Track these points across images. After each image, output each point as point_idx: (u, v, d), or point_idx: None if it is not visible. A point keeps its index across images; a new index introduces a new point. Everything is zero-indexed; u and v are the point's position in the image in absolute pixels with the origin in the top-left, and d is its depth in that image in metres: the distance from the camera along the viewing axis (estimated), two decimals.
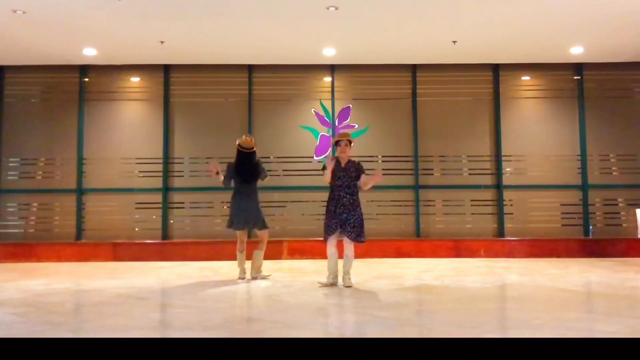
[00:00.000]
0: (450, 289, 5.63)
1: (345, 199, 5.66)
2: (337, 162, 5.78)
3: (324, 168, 5.83)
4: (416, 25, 7.50)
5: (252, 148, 6.27)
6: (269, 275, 6.41)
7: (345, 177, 5.71)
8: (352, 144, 5.84)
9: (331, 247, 5.74)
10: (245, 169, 6.23)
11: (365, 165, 5.93)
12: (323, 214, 6.15)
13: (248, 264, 6.36)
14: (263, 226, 6.32)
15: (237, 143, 6.33)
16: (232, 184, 6.33)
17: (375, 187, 8.91)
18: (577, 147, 9.13)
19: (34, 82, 9.27)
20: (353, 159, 5.86)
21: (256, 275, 6.27)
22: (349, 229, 5.62)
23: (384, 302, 4.96)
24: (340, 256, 5.79)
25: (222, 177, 6.27)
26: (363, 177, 5.77)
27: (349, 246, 5.70)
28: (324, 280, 5.83)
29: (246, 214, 6.20)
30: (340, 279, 5.79)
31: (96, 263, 8.12)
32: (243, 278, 6.25)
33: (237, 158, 6.29)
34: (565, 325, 3.85)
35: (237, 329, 3.93)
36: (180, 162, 9.18)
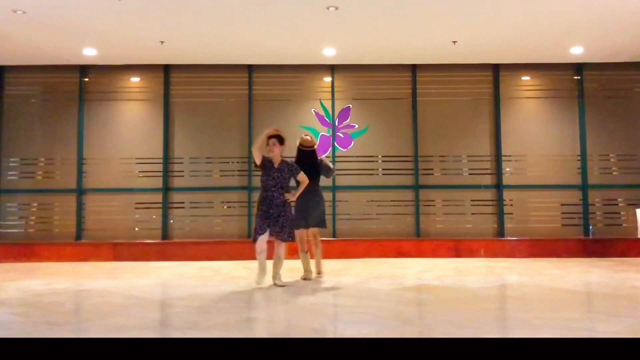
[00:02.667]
0: (451, 289, 5.63)
1: (278, 200, 5.67)
2: (271, 162, 5.77)
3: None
4: (416, 25, 7.50)
5: (314, 146, 6.32)
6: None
7: (280, 178, 5.71)
8: (283, 143, 5.80)
9: (261, 244, 5.64)
10: (308, 168, 6.12)
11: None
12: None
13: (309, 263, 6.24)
14: (324, 225, 6.30)
15: (297, 143, 6.31)
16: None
17: (376, 187, 9.08)
18: (577, 147, 9.12)
19: (34, 82, 9.26)
20: (287, 159, 5.87)
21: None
22: (278, 229, 5.63)
23: (384, 302, 4.95)
24: (270, 257, 5.75)
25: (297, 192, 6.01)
26: (287, 196, 5.72)
27: (280, 247, 5.71)
28: (258, 279, 5.69)
29: (314, 213, 6.16)
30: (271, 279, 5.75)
31: (96, 263, 8.12)
32: (310, 279, 6.10)
33: (298, 157, 6.23)
34: (566, 325, 3.85)
35: (237, 329, 3.93)
36: (180, 162, 9.18)
